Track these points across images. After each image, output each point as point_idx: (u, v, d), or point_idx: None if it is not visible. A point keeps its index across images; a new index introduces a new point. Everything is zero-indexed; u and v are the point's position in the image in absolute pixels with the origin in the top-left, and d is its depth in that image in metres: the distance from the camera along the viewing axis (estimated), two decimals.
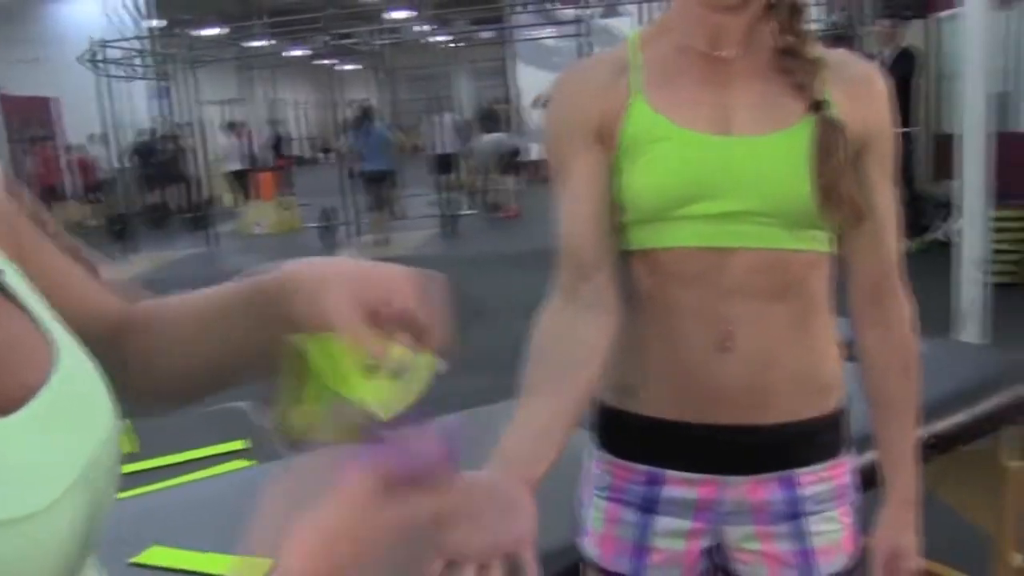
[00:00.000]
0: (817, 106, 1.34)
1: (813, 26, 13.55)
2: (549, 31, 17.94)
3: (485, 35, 19.67)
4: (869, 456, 1.60)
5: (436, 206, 14.95)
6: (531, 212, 14.79)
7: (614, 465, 1.51)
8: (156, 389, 0.91)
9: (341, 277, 0.77)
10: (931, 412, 2.23)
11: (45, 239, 0.87)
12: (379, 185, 13.47)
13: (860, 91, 1.39)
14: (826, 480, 1.48)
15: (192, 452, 3.24)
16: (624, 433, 1.51)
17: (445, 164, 16.42)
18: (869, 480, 1.58)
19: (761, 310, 1.38)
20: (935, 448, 2.37)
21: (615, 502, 1.52)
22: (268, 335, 0.79)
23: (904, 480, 1.52)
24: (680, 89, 1.39)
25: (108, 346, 0.84)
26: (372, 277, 0.78)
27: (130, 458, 3.21)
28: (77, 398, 0.68)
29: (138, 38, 17.76)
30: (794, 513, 1.47)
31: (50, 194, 18.71)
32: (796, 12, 1.37)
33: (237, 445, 3.27)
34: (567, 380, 1.31)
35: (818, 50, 1.38)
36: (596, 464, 1.55)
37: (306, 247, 14.18)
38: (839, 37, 13.07)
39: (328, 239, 14.13)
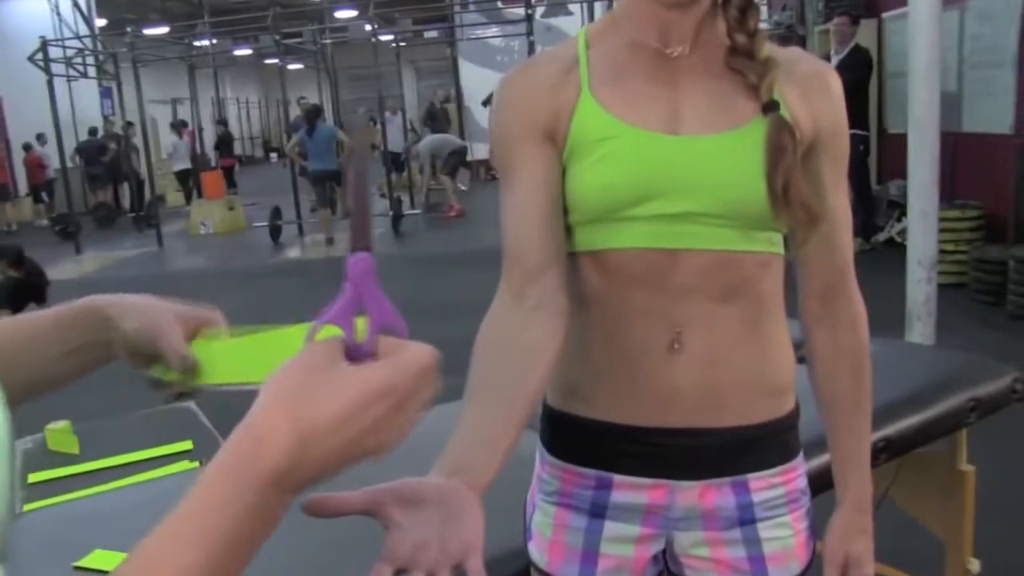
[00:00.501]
0: (768, 107, 1.31)
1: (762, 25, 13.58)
2: (494, 30, 18.06)
3: (431, 34, 19.76)
4: (823, 459, 1.58)
5: (384, 205, 15.02)
6: (477, 212, 14.94)
7: (561, 469, 1.48)
8: None
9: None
10: (883, 415, 2.27)
11: None
12: (325, 185, 13.53)
13: (812, 90, 1.36)
14: (778, 485, 1.44)
15: (135, 454, 3.18)
16: (571, 436, 1.47)
17: (392, 163, 16.52)
18: (823, 484, 1.57)
19: (711, 311, 1.35)
20: (887, 451, 2.35)
21: (563, 507, 1.48)
22: (80, 352, 1.02)
23: (857, 484, 1.49)
24: (629, 86, 1.36)
25: None
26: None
27: (72, 460, 3.16)
28: None
29: (82, 37, 17.67)
30: (746, 519, 1.43)
31: (2, 193, 18.67)
32: (747, 10, 1.33)
33: (182, 446, 3.22)
34: (514, 386, 1.25)
35: (769, 49, 1.34)
36: (543, 468, 1.52)
37: (253, 246, 14.22)
38: (784, 37, 13.26)
39: (274, 238, 14.19)
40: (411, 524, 0.99)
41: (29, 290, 9.01)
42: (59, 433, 3.28)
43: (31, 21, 18.57)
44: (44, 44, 15.10)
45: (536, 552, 1.51)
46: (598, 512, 1.45)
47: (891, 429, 2.38)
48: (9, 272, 8.96)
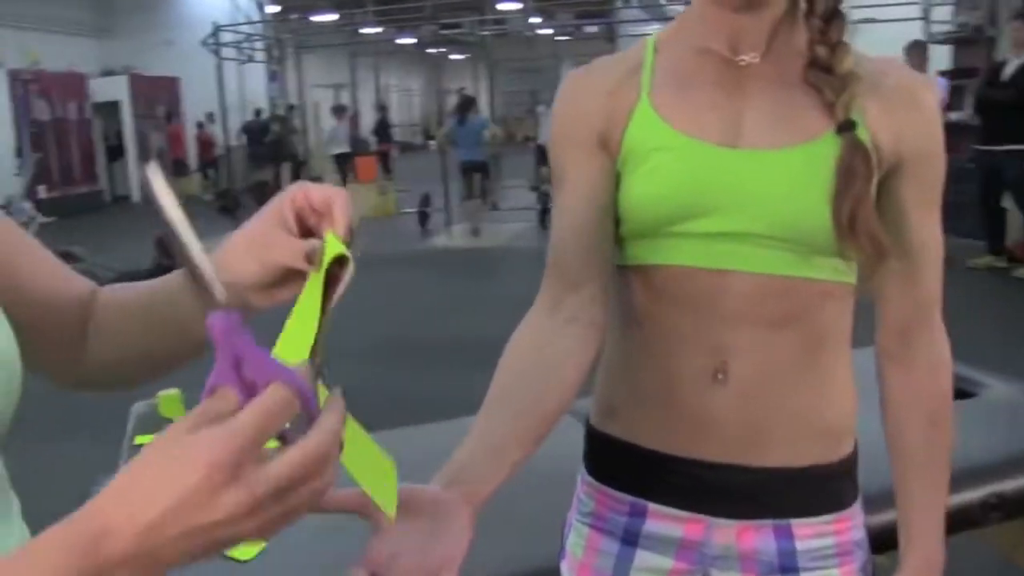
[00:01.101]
0: (844, 126, 1.20)
1: (943, 28, 12.88)
2: (655, 27, 17.87)
3: (590, 29, 19.71)
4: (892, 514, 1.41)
5: (533, 198, 15.03)
6: None
7: (598, 491, 1.42)
8: (105, 366, 1.00)
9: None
10: (1000, 468, 2.14)
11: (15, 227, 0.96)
12: (474, 175, 13.66)
13: (898, 105, 1.24)
14: (827, 535, 1.33)
15: None
16: (608, 458, 1.41)
17: (545, 156, 16.52)
18: (890, 541, 1.40)
19: (762, 340, 1.26)
20: (999, 509, 2.11)
21: (596, 530, 1.42)
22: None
23: (924, 546, 1.34)
24: (690, 94, 1.28)
25: (74, 322, 0.97)
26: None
27: None
28: None
29: (252, 23, 18.36)
30: (788, 567, 1.33)
31: (178, 168, 19.69)
32: (832, 20, 1.23)
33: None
34: (534, 398, 1.20)
35: (854, 63, 1.23)
36: (582, 487, 1.46)
37: (401, 232, 14.45)
38: (966, 40, 12.65)
39: (423, 226, 14.39)
40: (397, 530, 0.98)
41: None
42: (170, 400, 3.40)
43: (209, 6, 19.42)
44: (216, 29, 15.71)
45: (567, 572, 1.46)
46: (630, 539, 1.38)
47: (1009, 485, 2.15)
48: (162, 260, 9.39)
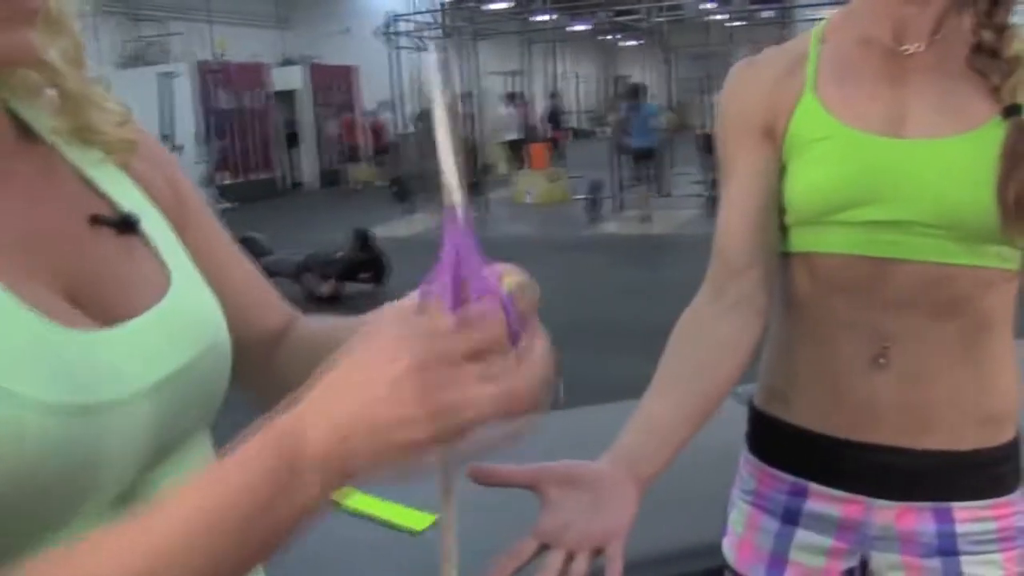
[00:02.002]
0: (1010, 110, 1.20)
1: None
2: (829, 11, 17.36)
3: (767, 14, 19.31)
4: None
5: (702, 185, 14.90)
6: None
7: (760, 470, 1.45)
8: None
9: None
10: None
11: (210, 215, 0.98)
12: (644, 162, 13.60)
13: None
14: (988, 519, 1.33)
15: None
16: (771, 439, 1.44)
17: (710, 144, 16.31)
18: None
19: (923, 327, 1.27)
20: None
21: (757, 507, 1.45)
22: None
23: None
24: (855, 84, 1.30)
25: (262, 349, 0.96)
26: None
27: None
28: (179, 320, 0.79)
29: (427, 12, 18.69)
30: (947, 549, 1.33)
31: (353, 154, 20.25)
32: (999, 3, 1.22)
33: None
34: (698, 381, 1.25)
35: (1019, 47, 1.22)
36: (744, 465, 1.50)
37: (571, 218, 14.52)
38: None
39: (594, 212, 14.42)
40: (564, 504, 1.04)
41: (369, 267, 9.81)
42: None
43: None
44: (390, 19, 16.06)
45: (728, 548, 1.50)
46: (791, 518, 1.41)
47: None
48: (358, 253, 9.72)
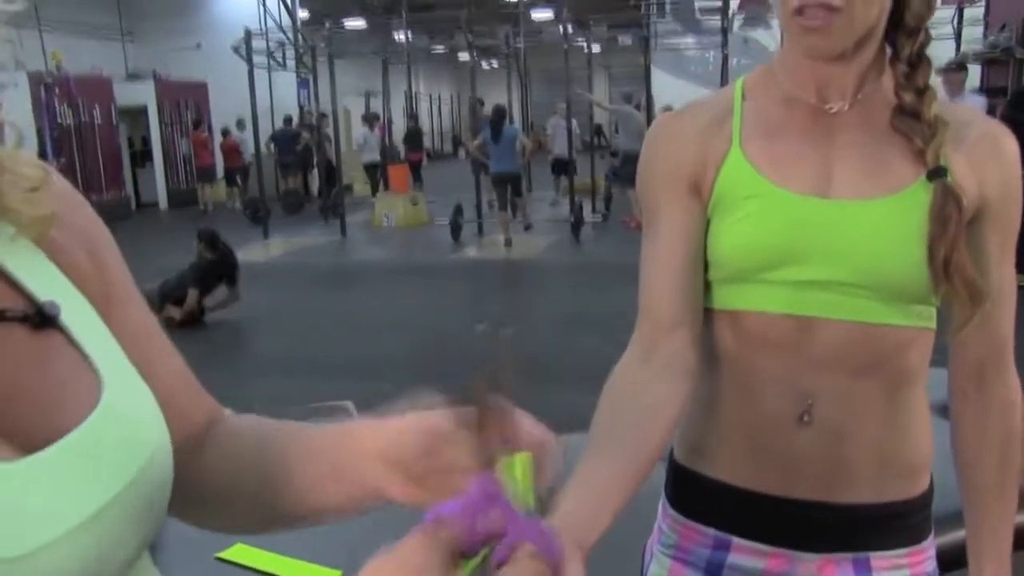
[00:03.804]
0: (935, 173, 1.23)
1: (972, 47, 13.08)
2: (690, 40, 17.75)
3: (625, 40, 19.58)
4: (959, 535, 1.47)
5: (563, 209, 14.93)
6: None
7: (681, 524, 1.46)
8: (208, 504, 0.90)
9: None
10: None
11: (136, 295, 0.88)
12: (506, 186, 13.53)
13: (982, 155, 1.27)
14: (903, 567, 1.39)
15: None
16: (693, 493, 1.45)
17: (563, 167, 16.52)
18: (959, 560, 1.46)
19: (847, 385, 1.30)
20: None
21: (679, 562, 1.46)
22: (337, 487, 0.81)
23: (991, 572, 1.39)
24: (780, 143, 1.31)
25: (182, 459, 0.82)
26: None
27: None
28: (115, 434, 0.69)
29: (283, 30, 18.28)
30: None
31: (205, 175, 19.62)
32: (918, 66, 1.26)
33: None
34: (632, 444, 1.23)
35: (939, 108, 1.26)
36: (664, 519, 1.51)
37: (433, 242, 14.38)
38: (995, 61, 12.55)
39: (454, 236, 14.29)
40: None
41: (221, 270, 9.47)
42: None
43: (239, 11, 19.35)
44: (248, 35, 15.66)
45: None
46: (713, 572, 1.43)
47: None
48: (205, 254, 9.41)
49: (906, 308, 1.27)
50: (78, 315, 0.74)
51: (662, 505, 1.53)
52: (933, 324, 1.31)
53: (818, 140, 1.29)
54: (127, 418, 0.72)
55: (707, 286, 1.36)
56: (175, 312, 9.10)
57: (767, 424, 1.34)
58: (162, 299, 9.13)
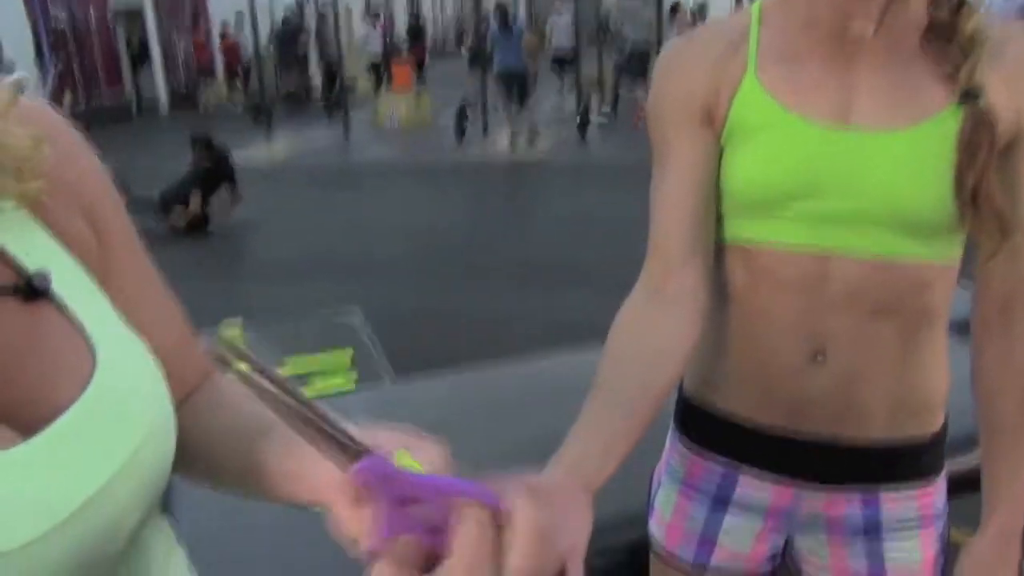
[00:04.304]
0: (967, 95, 1.15)
1: None
2: None
3: None
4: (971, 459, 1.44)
5: (569, 106, 14.76)
6: None
7: (689, 456, 1.46)
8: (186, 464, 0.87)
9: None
10: None
11: (138, 253, 0.85)
12: (512, 85, 13.34)
13: (1021, 75, 1.16)
14: (912, 503, 1.38)
15: (299, 362, 3.30)
16: (702, 426, 1.45)
17: (562, 65, 16.29)
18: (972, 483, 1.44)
19: (863, 324, 1.26)
20: None
21: (686, 495, 1.47)
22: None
23: (1008, 512, 1.36)
24: (799, 69, 1.24)
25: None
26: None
27: None
28: (111, 410, 0.67)
29: None
30: (872, 531, 1.39)
31: (204, 74, 19.37)
32: None
33: (342, 358, 3.33)
34: (639, 387, 1.20)
35: (976, 25, 1.17)
36: (672, 449, 1.50)
37: (437, 141, 14.26)
38: None
39: (458, 135, 14.16)
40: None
41: (219, 173, 9.42)
42: (231, 332, 3.50)
43: None
44: None
45: (655, 529, 1.52)
46: (720, 503, 1.44)
47: None
48: (201, 159, 9.35)
49: (928, 242, 1.22)
50: (71, 283, 0.71)
51: (671, 435, 1.52)
52: (957, 260, 1.27)
53: (840, 67, 1.22)
54: (123, 392, 0.69)
55: (719, 219, 1.32)
56: (179, 219, 9.08)
57: (779, 363, 1.31)
58: (164, 205, 9.12)
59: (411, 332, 5.71)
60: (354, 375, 3.20)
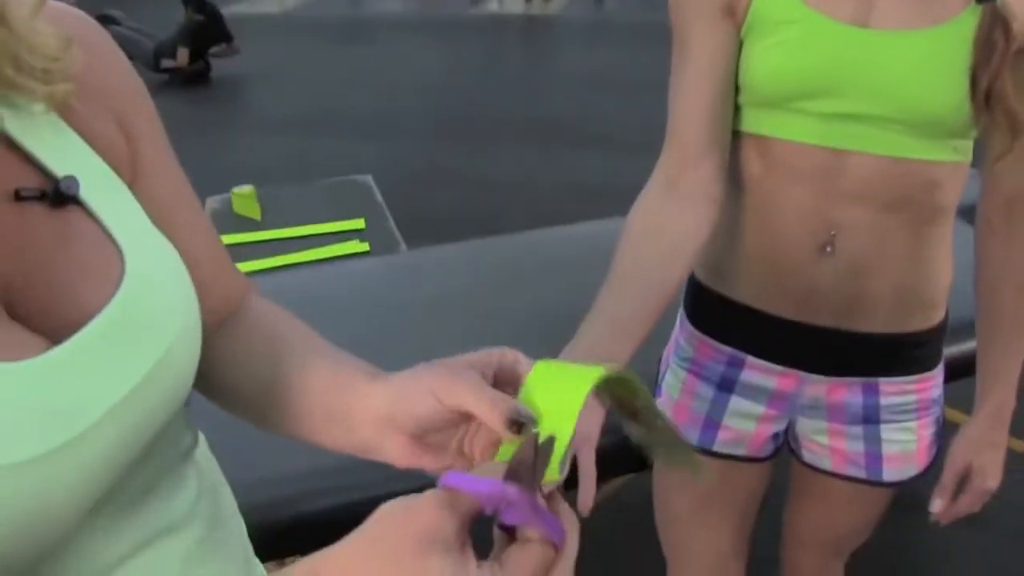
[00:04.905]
0: None
1: None
2: None
3: None
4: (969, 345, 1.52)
5: None
6: None
7: (698, 339, 1.50)
8: (213, 386, 0.88)
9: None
10: None
11: (170, 158, 0.84)
12: None
13: None
14: (910, 392, 1.44)
15: (312, 227, 3.30)
16: (713, 312, 1.48)
17: None
18: (968, 367, 1.52)
19: (872, 219, 1.29)
20: None
21: (694, 375, 1.51)
22: (328, 431, 0.79)
23: (999, 396, 1.43)
24: None
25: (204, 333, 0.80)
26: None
27: (254, 226, 3.32)
28: (141, 315, 0.67)
29: None
30: (871, 418, 1.44)
31: None
32: None
33: (355, 224, 3.32)
34: (654, 278, 1.25)
35: None
36: (681, 333, 1.55)
37: None
38: None
39: None
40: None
41: (212, 30, 9.30)
42: (244, 198, 3.44)
43: None
44: None
45: (662, 409, 1.52)
46: (726, 386, 1.49)
47: None
48: (193, 16, 9.18)
49: (942, 143, 1.24)
50: (101, 188, 0.70)
51: (680, 319, 1.57)
52: (969, 157, 1.29)
53: None
54: (152, 297, 0.69)
55: (736, 108, 1.33)
56: (172, 62, 9.04)
57: (789, 252, 1.34)
58: (157, 59, 9.03)
59: (424, 195, 5.70)
60: (366, 244, 3.19)
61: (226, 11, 9.76)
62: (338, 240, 3.22)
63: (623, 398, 0.74)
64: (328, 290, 2.51)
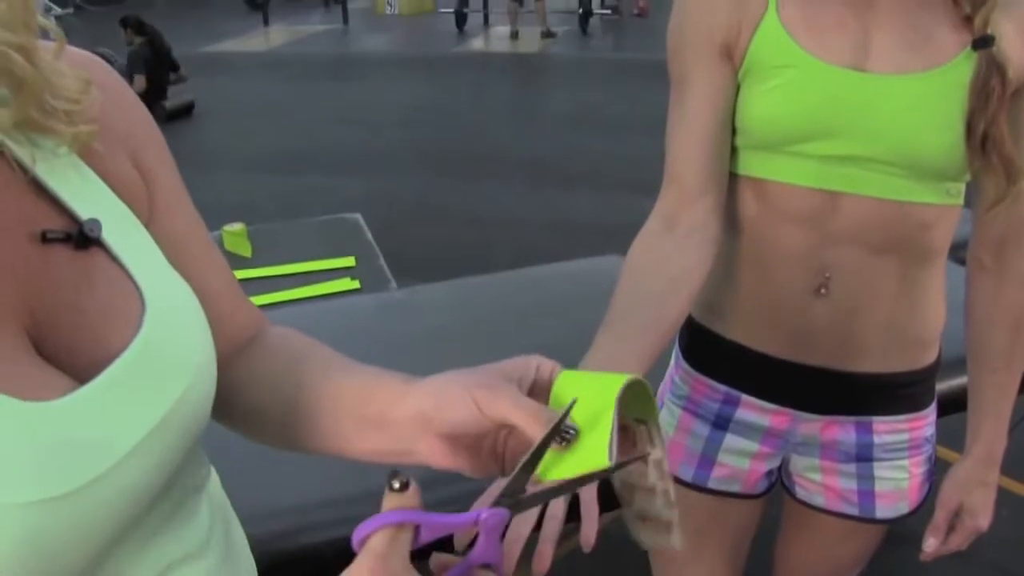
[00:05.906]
0: (981, 42, 1.18)
1: None
2: None
3: None
4: (960, 381, 1.52)
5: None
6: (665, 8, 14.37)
7: (693, 378, 1.51)
8: (236, 411, 0.89)
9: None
10: None
11: (184, 198, 0.85)
12: None
13: None
14: (903, 431, 1.45)
15: (303, 265, 3.31)
16: (707, 350, 1.49)
17: None
18: (959, 403, 1.52)
19: (866, 260, 1.31)
20: None
21: (689, 412, 1.52)
22: (362, 439, 0.80)
23: (990, 435, 1.44)
24: (819, 9, 1.25)
25: (221, 363, 0.81)
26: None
27: (245, 263, 3.31)
28: (160, 357, 0.68)
29: None
30: (864, 456, 1.46)
31: None
32: None
33: (345, 262, 3.33)
34: (653, 318, 1.24)
35: None
36: (677, 370, 1.56)
37: (437, 32, 14.06)
38: None
39: (459, 26, 13.94)
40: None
41: (157, 54, 9.30)
42: (235, 235, 3.44)
43: None
44: None
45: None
46: (721, 424, 1.50)
47: None
48: (134, 39, 9.14)
49: (936, 186, 1.26)
50: (121, 229, 0.72)
51: (675, 356, 1.57)
52: (961, 200, 1.31)
53: (859, 7, 1.23)
54: (170, 337, 0.70)
55: (733, 151, 1.35)
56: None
57: (783, 293, 1.35)
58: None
59: (411, 232, 5.71)
60: (357, 282, 3.20)
61: (213, 48, 9.81)
62: (329, 278, 3.22)
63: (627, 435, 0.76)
64: (321, 327, 2.48)
